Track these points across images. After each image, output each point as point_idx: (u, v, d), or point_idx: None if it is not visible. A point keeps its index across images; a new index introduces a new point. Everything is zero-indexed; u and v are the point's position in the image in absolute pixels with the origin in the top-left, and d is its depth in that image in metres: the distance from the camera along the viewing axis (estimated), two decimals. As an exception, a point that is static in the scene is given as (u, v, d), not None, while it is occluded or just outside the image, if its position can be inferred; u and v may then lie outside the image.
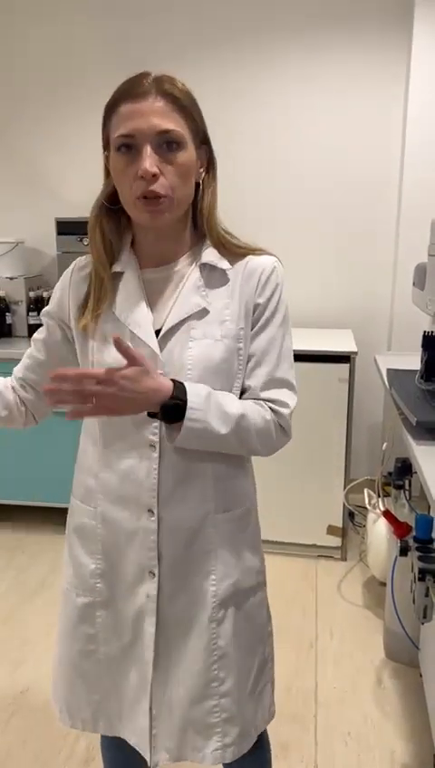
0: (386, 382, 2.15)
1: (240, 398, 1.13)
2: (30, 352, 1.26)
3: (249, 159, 3.07)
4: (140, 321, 1.09)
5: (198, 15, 3.14)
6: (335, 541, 2.88)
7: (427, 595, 1.58)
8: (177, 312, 1.09)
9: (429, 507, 1.70)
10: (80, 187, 3.37)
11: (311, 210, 3.20)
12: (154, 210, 1.04)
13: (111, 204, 1.11)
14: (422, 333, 1.94)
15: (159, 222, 1.06)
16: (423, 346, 1.93)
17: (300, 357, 2.64)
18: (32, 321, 3.28)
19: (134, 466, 1.13)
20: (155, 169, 1.00)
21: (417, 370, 1.99)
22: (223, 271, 1.11)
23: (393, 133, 3.08)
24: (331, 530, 2.87)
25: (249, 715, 1.21)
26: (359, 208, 3.18)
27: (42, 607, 2.58)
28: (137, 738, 1.20)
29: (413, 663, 2.17)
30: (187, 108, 1.04)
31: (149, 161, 1.00)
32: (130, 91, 1.03)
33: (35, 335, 1.26)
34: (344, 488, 2.81)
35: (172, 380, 1.05)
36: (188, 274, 1.12)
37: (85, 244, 2.97)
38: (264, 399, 1.12)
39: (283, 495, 2.77)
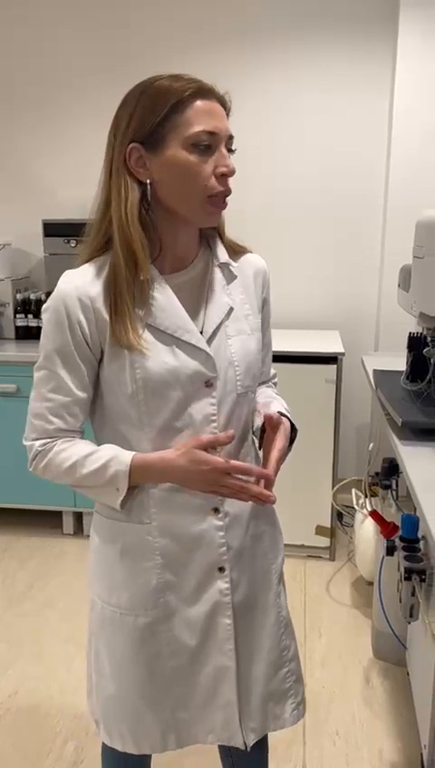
0: (372, 383, 2.17)
1: (257, 383, 1.24)
2: (69, 400, 1.09)
3: (234, 161, 3.06)
4: (186, 326, 1.08)
5: (185, 20, 3.15)
6: (324, 541, 2.89)
7: (413, 594, 1.59)
8: (213, 314, 1.12)
9: (414, 507, 1.71)
10: (67, 188, 3.37)
11: (297, 212, 3.21)
12: (221, 209, 1.07)
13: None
14: (408, 334, 1.95)
15: (217, 221, 1.11)
16: (409, 347, 1.94)
17: (288, 358, 2.67)
18: (19, 323, 3.28)
19: None
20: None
21: (403, 371, 2.00)
22: (231, 268, 1.17)
23: (379, 135, 3.10)
24: (319, 530, 2.89)
25: (300, 670, 1.33)
26: (345, 210, 3.20)
27: (29, 611, 2.57)
28: (217, 733, 1.20)
29: (401, 662, 2.19)
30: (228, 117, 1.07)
31: (231, 161, 1.04)
32: (202, 89, 1.02)
33: (65, 380, 1.08)
34: (332, 488, 2.82)
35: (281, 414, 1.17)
36: (208, 275, 1.14)
37: (73, 245, 3.01)
38: (271, 378, 1.34)
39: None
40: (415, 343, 1.91)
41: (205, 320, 1.11)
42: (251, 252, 1.22)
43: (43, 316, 1.10)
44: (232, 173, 1.04)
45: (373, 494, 2.48)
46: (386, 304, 3.02)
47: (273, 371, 1.36)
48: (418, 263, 1.82)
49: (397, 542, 1.70)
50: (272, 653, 1.24)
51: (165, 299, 1.08)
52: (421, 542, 1.67)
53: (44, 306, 1.10)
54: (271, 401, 1.25)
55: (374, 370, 2.18)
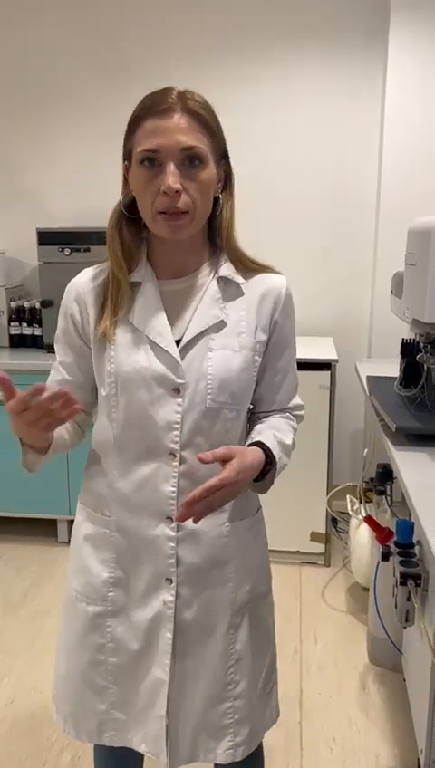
0: (366, 389, 2.18)
1: (264, 410, 1.23)
2: (61, 378, 1.22)
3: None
4: (160, 329, 1.11)
5: (180, 31, 3.17)
6: (319, 547, 2.90)
7: (409, 599, 1.60)
8: (197, 324, 1.12)
9: (409, 512, 1.72)
10: (61, 197, 3.38)
11: (289, 220, 3.23)
12: (175, 225, 1.06)
13: (129, 212, 1.13)
14: (401, 341, 1.97)
15: (179, 236, 1.08)
16: (402, 353, 1.96)
17: (281, 365, 2.66)
18: (13, 332, 3.27)
19: (153, 474, 1.14)
20: (178, 186, 1.02)
21: (396, 377, 2.02)
22: (238, 284, 1.16)
23: (370, 144, 3.12)
24: (314, 536, 2.89)
25: (259, 715, 1.26)
26: (337, 218, 3.22)
27: (25, 619, 2.56)
28: (148, 744, 1.20)
29: (397, 668, 2.19)
30: (210, 125, 1.07)
31: (172, 178, 1.02)
32: (156, 106, 1.04)
33: (61, 359, 1.23)
34: (327, 494, 2.83)
35: (255, 443, 1.12)
36: (205, 287, 1.15)
37: (67, 254, 3.01)
38: (290, 408, 1.24)
39: (266, 503, 2.78)
40: (408, 349, 1.93)
41: (187, 328, 1.13)
42: (274, 271, 1.20)
43: None
44: (170, 191, 1.02)
45: (368, 500, 2.49)
46: (379, 311, 3.03)
47: (297, 402, 1.26)
48: (410, 269, 1.83)
49: (392, 547, 1.71)
50: (214, 683, 1.19)
51: (148, 301, 1.13)
52: (416, 547, 1.68)
53: None
54: (264, 430, 1.17)
55: (368, 377, 2.19)
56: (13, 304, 3.28)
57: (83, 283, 1.17)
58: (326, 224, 3.23)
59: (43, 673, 2.24)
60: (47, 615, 2.58)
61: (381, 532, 1.95)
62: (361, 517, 2.51)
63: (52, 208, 3.38)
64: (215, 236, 1.16)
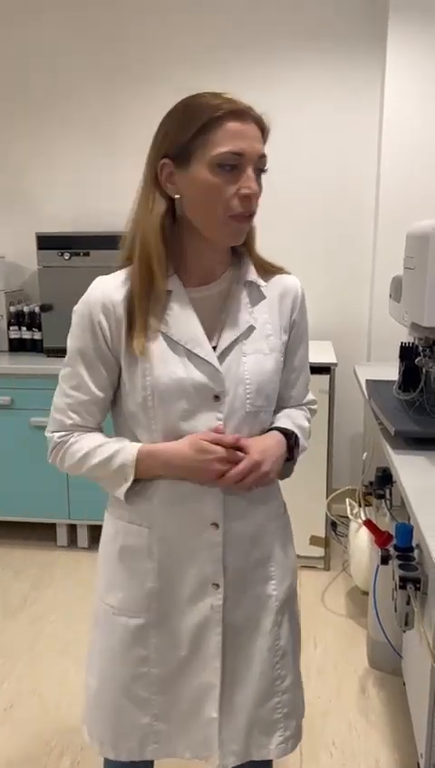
0: (365, 393, 2.18)
1: (280, 406, 1.25)
2: (89, 398, 1.14)
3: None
4: (198, 339, 1.10)
5: (180, 36, 3.18)
6: (318, 551, 2.90)
7: (408, 603, 1.60)
8: (230, 331, 1.13)
9: (408, 516, 1.72)
10: (60, 201, 3.38)
11: (289, 224, 3.24)
12: (243, 229, 1.09)
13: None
14: (399, 344, 1.97)
15: (240, 240, 1.11)
16: (400, 357, 1.96)
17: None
18: (12, 336, 3.28)
19: (198, 484, 1.13)
20: (258, 190, 1.05)
21: (395, 381, 2.02)
22: (260, 288, 1.17)
23: (369, 149, 3.13)
24: (314, 540, 2.89)
25: (300, 706, 1.31)
26: (337, 222, 3.23)
27: (24, 623, 2.56)
28: (195, 750, 1.20)
29: (397, 671, 2.19)
30: (267, 138, 1.10)
31: (254, 182, 1.04)
32: (236, 110, 1.04)
33: (89, 377, 1.13)
34: (326, 498, 2.83)
35: (274, 428, 1.18)
36: (233, 292, 1.15)
37: (66, 258, 3.02)
38: (305, 403, 1.29)
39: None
40: (407, 353, 1.93)
41: (221, 335, 1.13)
42: (286, 272, 1.22)
43: (72, 318, 1.14)
44: (255, 194, 1.05)
45: (367, 504, 2.49)
46: (378, 315, 3.04)
47: (311, 397, 1.32)
48: (409, 273, 1.84)
49: (391, 551, 1.71)
50: (262, 681, 1.21)
51: (182, 310, 1.11)
52: (416, 551, 1.68)
53: (74, 308, 1.14)
54: (279, 419, 1.23)
55: (367, 380, 2.20)
56: (12, 308, 3.29)
57: (109, 293, 1.10)
58: (325, 227, 3.23)
59: (42, 677, 2.24)
60: (46, 619, 2.58)
61: (380, 536, 1.94)
62: (360, 521, 2.51)
63: (51, 213, 3.38)
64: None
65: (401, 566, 1.62)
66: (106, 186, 3.32)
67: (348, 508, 2.72)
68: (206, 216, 1.07)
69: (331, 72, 3.13)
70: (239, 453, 1.10)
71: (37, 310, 3.20)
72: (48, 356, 3.13)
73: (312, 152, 3.19)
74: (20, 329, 3.27)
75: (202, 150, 1.03)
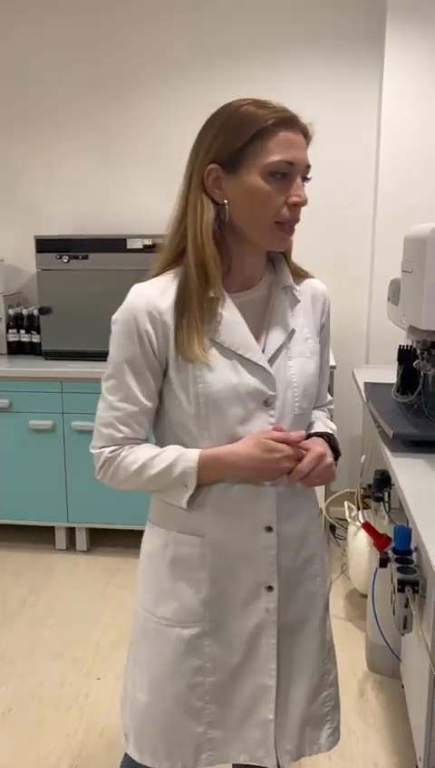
0: (364, 395, 2.19)
1: None
2: (138, 409, 1.13)
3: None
4: (250, 344, 1.11)
5: (177, 39, 3.19)
6: (317, 554, 2.89)
7: (407, 606, 1.60)
8: (275, 335, 1.14)
9: (407, 518, 1.72)
10: (59, 204, 3.39)
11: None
12: (289, 236, 1.11)
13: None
14: (398, 347, 1.97)
15: (286, 246, 1.15)
16: (399, 360, 1.97)
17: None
18: (11, 339, 3.28)
19: (252, 487, 1.14)
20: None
21: (393, 384, 2.02)
22: (294, 293, 1.19)
23: (367, 152, 3.14)
24: (312, 543, 2.88)
25: (338, 696, 1.34)
26: (335, 226, 3.23)
27: (22, 627, 2.55)
28: (251, 752, 1.20)
29: (395, 674, 2.19)
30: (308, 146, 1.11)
31: (304, 192, 1.07)
32: (288, 119, 1.06)
33: (136, 388, 1.12)
34: (325, 501, 2.83)
35: (313, 434, 1.21)
36: (273, 297, 1.17)
37: (65, 261, 3.02)
38: (325, 404, 1.33)
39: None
40: (405, 356, 1.94)
41: (267, 340, 1.14)
42: (313, 277, 1.25)
43: (113, 327, 1.12)
44: (304, 203, 1.07)
45: (366, 507, 2.49)
46: (376, 318, 3.05)
47: (329, 398, 1.35)
48: (407, 277, 1.84)
49: (390, 553, 1.71)
50: (314, 677, 1.24)
51: (230, 316, 1.10)
52: (414, 554, 1.68)
53: (114, 318, 1.12)
54: (315, 421, 1.27)
55: (365, 383, 2.20)
56: (11, 311, 3.28)
57: (153, 301, 1.09)
58: (324, 232, 3.23)
59: (40, 681, 2.24)
60: (45, 623, 2.58)
61: (378, 539, 1.94)
62: (359, 524, 2.51)
63: (50, 216, 3.38)
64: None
65: (399, 569, 1.62)
66: (105, 189, 3.33)
67: (346, 511, 2.72)
68: (254, 222, 1.08)
69: (329, 74, 3.13)
70: (302, 451, 1.12)
71: (36, 313, 3.20)
72: (46, 359, 3.13)
73: (310, 154, 3.19)
74: (19, 332, 3.27)
75: (254, 158, 1.04)
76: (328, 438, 1.22)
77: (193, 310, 1.07)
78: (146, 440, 1.17)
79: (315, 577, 1.24)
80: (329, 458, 1.14)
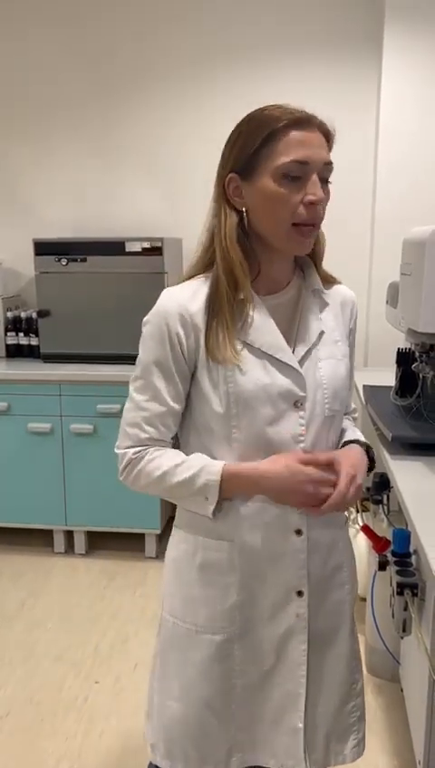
0: (362, 398, 2.18)
1: None
2: (166, 410, 1.13)
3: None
4: (280, 345, 1.11)
5: (174, 42, 3.19)
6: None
7: (406, 609, 1.59)
8: (305, 336, 1.15)
9: (406, 521, 1.72)
10: (57, 207, 3.39)
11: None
12: (309, 237, 1.09)
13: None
14: (396, 350, 1.97)
15: (307, 249, 1.12)
16: (397, 362, 1.96)
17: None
18: (9, 341, 3.28)
19: None
20: (323, 196, 1.06)
21: (392, 386, 2.02)
22: (323, 297, 1.20)
23: (366, 155, 3.14)
24: (311, 546, 2.88)
25: (364, 706, 1.31)
26: (334, 228, 3.22)
27: (21, 630, 2.55)
28: (280, 758, 1.19)
29: (395, 678, 2.18)
30: (332, 145, 1.11)
31: (319, 189, 1.05)
32: (299, 119, 1.05)
33: (165, 389, 1.12)
34: (324, 504, 2.82)
35: (347, 442, 1.21)
36: (302, 299, 1.17)
37: (64, 264, 3.02)
38: (351, 411, 1.32)
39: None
40: (404, 359, 1.93)
41: (296, 341, 1.14)
42: (340, 283, 1.25)
43: (144, 329, 1.14)
44: (320, 201, 1.05)
45: (365, 509, 2.49)
46: (375, 321, 3.05)
47: (353, 406, 1.34)
48: (405, 279, 1.85)
49: (389, 556, 1.70)
50: (343, 686, 1.23)
51: (261, 318, 1.11)
52: (413, 557, 1.68)
53: (145, 319, 1.14)
54: (347, 429, 1.27)
55: (364, 386, 2.20)
56: (9, 314, 3.28)
57: (184, 303, 1.10)
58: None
59: (39, 685, 2.23)
60: (43, 626, 2.57)
61: (378, 542, 1.94)
62: (358, 527, 2.51)
63: (48, 219, 3.38)
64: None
65: (398, 572, 1.62)
66: (103, 192, 3.33)
67: (345, 514, 2.71)
68: (273, 225, 1.08)
69: (328, 75, 3.13)
70: (331, 476, 1.10)
71: (35, 315, 3.20)
72: (45, 362, 3.12)
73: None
74: (17, 334, 3.27)
75: (266, 162, 1.05)
76: (366, 449, 1.21)
77: (224, 312, 1.09)
78: (171, 442, 1.17)
79: (344, 585, 1.23)
80: (359, 479, 1.12)
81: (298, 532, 1.15)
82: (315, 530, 1.16)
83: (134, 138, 3.30)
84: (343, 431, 1.26)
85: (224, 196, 1.10)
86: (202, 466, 1.10)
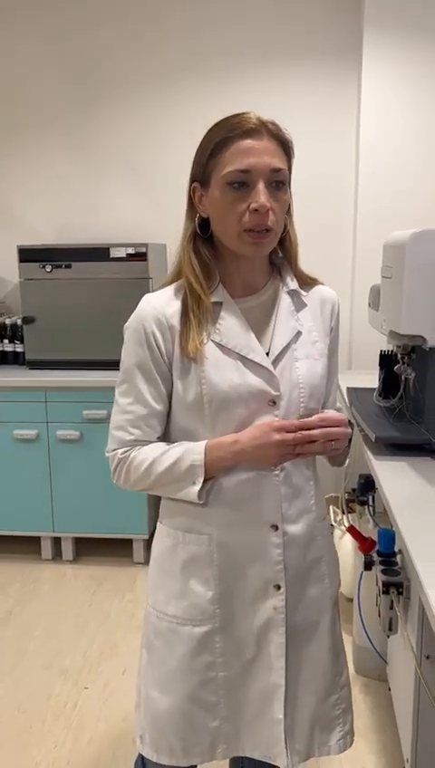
0: (346, 400, 2.21)
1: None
2: (147, 412, 1.16)
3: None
4: (252, 346, 1.14)
5: (156, 50, 3.21)
6: (303, 559, 2.90)
7: (392, 608, 1.61)
8: (280, 336, 1.17)
9: (391, 522, 1.74)
10: (41, 214, 3.39)
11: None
12: (260, 242, 1.10)
13: (201, 233, 1.15)
14: (379, 352, 2.00)
15: (262, 253, 1.14)
16: (380, 365, 1.99)
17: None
18: (-6, 349, 3.27)
19: (256, 486, 1.16)
20: (268, 204, 1.07)
21: (375, 388, 2.05)
22: (301, 297, 1.22)
23: (347, 163, 3.17)
24: (298, 548, 2.89)
25: (351, 701, 1.33)
26: (317, 234, 3.26)
27: (9, 637, 2.54)
28: (263, 750, 1.22)
29: (382, 677, 2.20)
30: (288, 151, 1.13)
31: (264, 197, 1.06)
32: (244, 128, 1.07)
33: (146, 392, 1.16)
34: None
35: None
36: (278, 301, 1.19)
37: (48, 270, 3.02)
38: (336, 410, 1.32)
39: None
40: (386, 361, 1.96)
41: (272, 341, 1.17)
42: (322, 284, 1.27)
43: (125, 334, 1.18)
44: (263, 208, 1.06)
45: (351, 511, 2.51)
46: (358, 324, 3.07)
47: (338, 404, 1.35)
48: (386, 282, 1.87)
49: (374, 556, 1.72)
50: (325, 678, 1.26)
51: (233, 319, 1.15)
52: (398, 556, 1.70)
53: (126, 325, 1.18)
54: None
55: (348, 388, 2.22)
56: (-6, 321, 3.28)
57: (160, 307, 1.14)
58: (306, 240, 3.25)
59: (27, 692, 2.22)
60: (31, 633, 2.56)
61: (363, 542, 1.96)
62: (344, 528, 2.53)
63: (32, 225, 3.38)
64: (272, 254, 1.21)
65: (384, 571, 1.64)
66: (87, 199, 3.34)
67: (331, 515, 2.73)
68: (225, 232, 1.11)
69: (308, 87, 3.16)
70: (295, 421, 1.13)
71: (19, 322, 3.19)
72: (30, 368, 3.12)
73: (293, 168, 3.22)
74: (2, 341, 3.26)
75: (215, 171, 1.09)
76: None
77: (195, 312, 1.12)
78: (157, 438, 1.20)
79: (323, 578, 1.26)
80: (333, 422, 1.14)
81: (274, 527, 1.17)
82: (291, 524, 1.19)
83: (118, 144, 3.31)
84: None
85: (190, 203, 1.15)
86: (185, 449, 1.14)
